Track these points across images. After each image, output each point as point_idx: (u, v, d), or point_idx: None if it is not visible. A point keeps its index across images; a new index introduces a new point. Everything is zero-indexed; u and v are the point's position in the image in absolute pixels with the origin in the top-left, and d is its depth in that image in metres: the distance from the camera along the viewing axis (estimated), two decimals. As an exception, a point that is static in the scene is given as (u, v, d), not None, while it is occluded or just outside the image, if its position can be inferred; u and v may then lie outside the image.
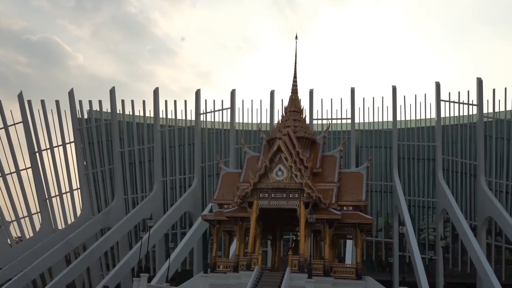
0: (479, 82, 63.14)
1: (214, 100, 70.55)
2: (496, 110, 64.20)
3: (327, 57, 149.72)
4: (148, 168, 71.42)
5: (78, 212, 72.79)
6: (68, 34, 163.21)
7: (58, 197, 72.93)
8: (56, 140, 73.79)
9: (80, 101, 73.32)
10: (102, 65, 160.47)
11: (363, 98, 67.81)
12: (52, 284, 54.16)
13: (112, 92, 71.19)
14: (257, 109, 69.73)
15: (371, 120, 68.19)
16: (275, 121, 61.99)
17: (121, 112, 72.34)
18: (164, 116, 71.58)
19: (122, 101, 72.34)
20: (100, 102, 72.88)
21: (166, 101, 72.02)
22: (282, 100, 66.19)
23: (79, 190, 73.50)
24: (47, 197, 72.18)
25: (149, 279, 39.07)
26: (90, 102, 73.25)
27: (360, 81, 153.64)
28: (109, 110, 72.29)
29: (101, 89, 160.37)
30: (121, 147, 72.09)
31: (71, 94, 72.28)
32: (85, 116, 74.05)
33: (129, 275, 57.66)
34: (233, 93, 69.05)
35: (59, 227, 71.68)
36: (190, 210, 67.14)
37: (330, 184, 33.71)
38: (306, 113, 44.88)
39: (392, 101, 65.23)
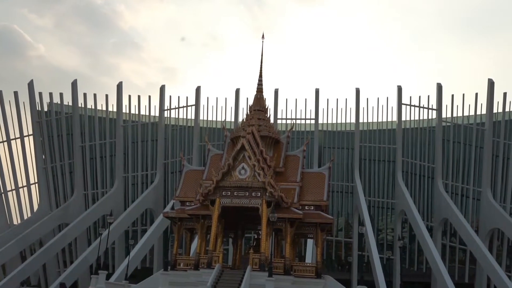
0: (439, 87, 64.97)
1: (178, 97, 70.19)
2: (454, 115, 66.23)
3: (293, 57, 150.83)
4: (109, 164, 70.27)
5: (35, 207, 71.00)
6: (29, 23, 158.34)
7: (14, 191, 71.01)
8: (14, 132, 72.02)
9: (40, 93, 71.48)
10: (64, 56, 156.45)
11: (327, 99, 68.79)
12: (5, 281, 52.55)
13: (74, 84, 69.70)
14: (222, 107, 69.67)
15: (334, 121, 69.22)
16: (240, 120, 62.21)
17: (82, 106, 70.95)
18: (127, 111, 70.60)
19: (84, 94, 70.97)
20: (61, 94, 71.32)
21: (129, 96, 71.11)
22: (247, 98, 66.47)
23: (36, 184, 71.71)
24: (2, 191, 70.20)
25: (108, 277, 38.47)
26: (50, 94, 71.51)
27: (325, 82, 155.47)
28: (70, 103, 70.74)
29: (63, 82, 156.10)
30: (82, 141, 70.66)
31: (30, 85, 70.37)
32: (45, 109, 72.23)
33: (87, 272, 56.64)
34: (198, 90, 68.75)
35: (15, 222, 69.69)
36: (152, 207, 66.46)
37: (293, 183, 34.04)
38: (271, 112, 45.34)
39: (355, 103, 66.36)
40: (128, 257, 48.76)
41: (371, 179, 67.71)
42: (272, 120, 42.76)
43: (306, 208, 33.05)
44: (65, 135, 70.99)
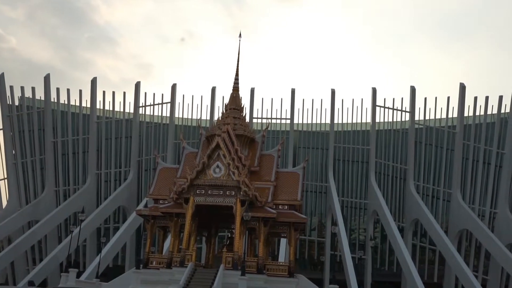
0: (413, 90, 66.04)
1: (154, 94, 69.79)
2: (427, 118, 67.43)
3: (270, 56, 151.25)
4: (82, 160, 69.29)
5: (4, 203, 69.48)
6: (0, 15, 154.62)
7: (-18, 187, 69.45)
8: (-17, 126, 70.30)
9: (11, 87, 70.07)
10: (37, 50, 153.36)
11: (303, 100, 69.32)
12: (-28, 279, 51.37)
13: (47, 79, 68.47)
14: (197, 105, 69.52)
15: (309, 122, 69.70)
16: (215, 118, 62.08)
17: (55, 101, 69.79)
18: (102, 107, 69.72)
19: (57, 89, 69.82)
20: (33, 88, 70.04)
21: (104, 92, 70.29)
22: (223, 97, 66.37)
23: (6, 180, 70.18)
24: (-30, 186, 68.53)
25: (79, 275, 37.91)
26: (22, 88, 70.24)
27: (301, 83, 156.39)
28: (42, 98, 69.47)
29: (35, 75, 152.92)
30: (54, 137, 69.47)
31: (1, 78, 68.90)
32: (16, 103, 70.83)
33: (57, 270, 55.70)
34: (173, 87, 68.34)
35: (-18, 219, 68.03)
36: (125, 204, 65.79)
37: (267, 182, 34.10)
38: (247, 111, 45.33)
39: (331, 104, 66.94)
40: (99, 255, 48.16)
41: (344, 180, 68.40)
42: (247, 119, 42.76)
43: (280, 207, 33.14)
44: (36, 130, 69.72)
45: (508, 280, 61.79)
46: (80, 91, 69.83)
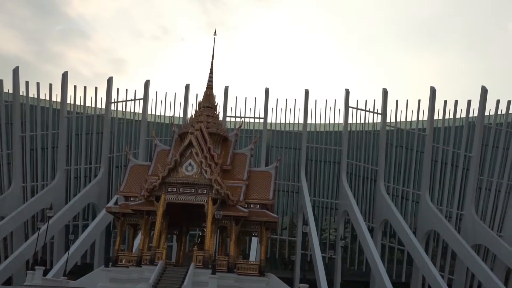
0: (385, 92, 66.97)
1: (126, 89, 68.96)
2: (398, 120, 68.49)
3: (244, 55, 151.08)
4: (51, 156, 67.91)
5: (-31, 198, 67.51)
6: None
7: None
8: None
9: (-22, 79, 68.18)
10: (5, 41, 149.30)
11: (277, 99, 69.54)
12: None
13: (16, 71, 66.85)
14: (170, 102, 69.02)
15: (282, 121, 69.95)
16: (188, 116, 61.73)
17: (24, 94, 68.19)
18: (72, 102, 68.47)
19: (27, 83, 68.32)
20: (1, 81, 68.25)
21: (75, 86, 69.00)
22: (196, 94, 66.06)
23: (-29, 175, 68.31)
24: None
25: (45, 273, 37.16)
26: (-11, 81, 68.29)
27: (275, 82, 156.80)
28: (11, 91, 67.78)
29: (4, 68, 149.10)
30: (23, 131, 67.90)
31: (-32, 70, 67.04)
32: (-17, 96, 68.91)
33: (23, 268, 54.43)
34: (147, 83, 67.68)
35: None
36: (94, 201, 64.79)
37: (239, 181, 34.12)
38: (220, 109, 45.19)
39: (304, 104, 67.32)
40: (67, 252, 47.34)
41: (316, 180, 68.89)
42: (221, 118, 42.77)
43: (251, 206, 33.23)
44: (4, 124, 68.07)
45: (472, 280, 63.35)
46: (51, 85, 68.60)
